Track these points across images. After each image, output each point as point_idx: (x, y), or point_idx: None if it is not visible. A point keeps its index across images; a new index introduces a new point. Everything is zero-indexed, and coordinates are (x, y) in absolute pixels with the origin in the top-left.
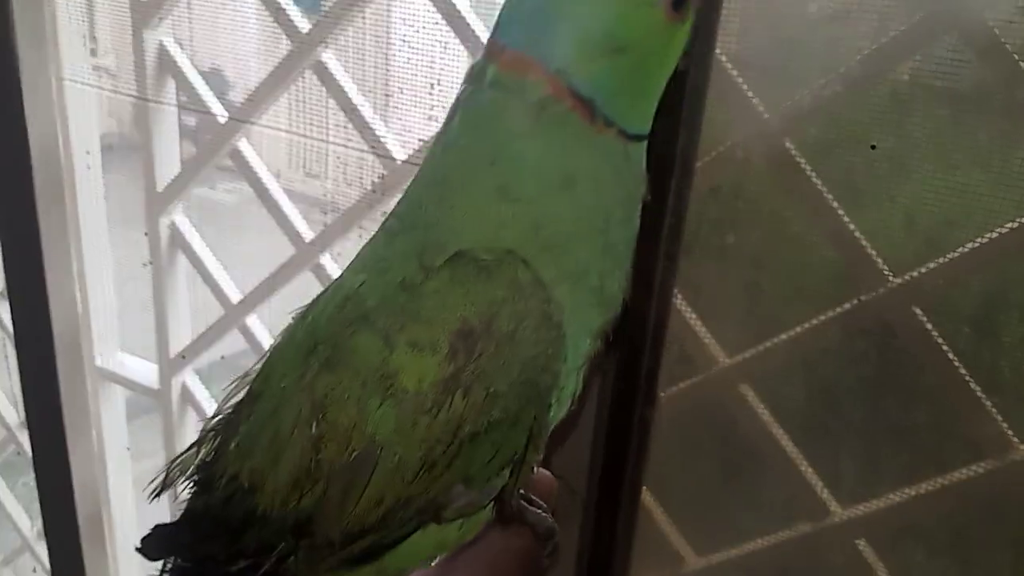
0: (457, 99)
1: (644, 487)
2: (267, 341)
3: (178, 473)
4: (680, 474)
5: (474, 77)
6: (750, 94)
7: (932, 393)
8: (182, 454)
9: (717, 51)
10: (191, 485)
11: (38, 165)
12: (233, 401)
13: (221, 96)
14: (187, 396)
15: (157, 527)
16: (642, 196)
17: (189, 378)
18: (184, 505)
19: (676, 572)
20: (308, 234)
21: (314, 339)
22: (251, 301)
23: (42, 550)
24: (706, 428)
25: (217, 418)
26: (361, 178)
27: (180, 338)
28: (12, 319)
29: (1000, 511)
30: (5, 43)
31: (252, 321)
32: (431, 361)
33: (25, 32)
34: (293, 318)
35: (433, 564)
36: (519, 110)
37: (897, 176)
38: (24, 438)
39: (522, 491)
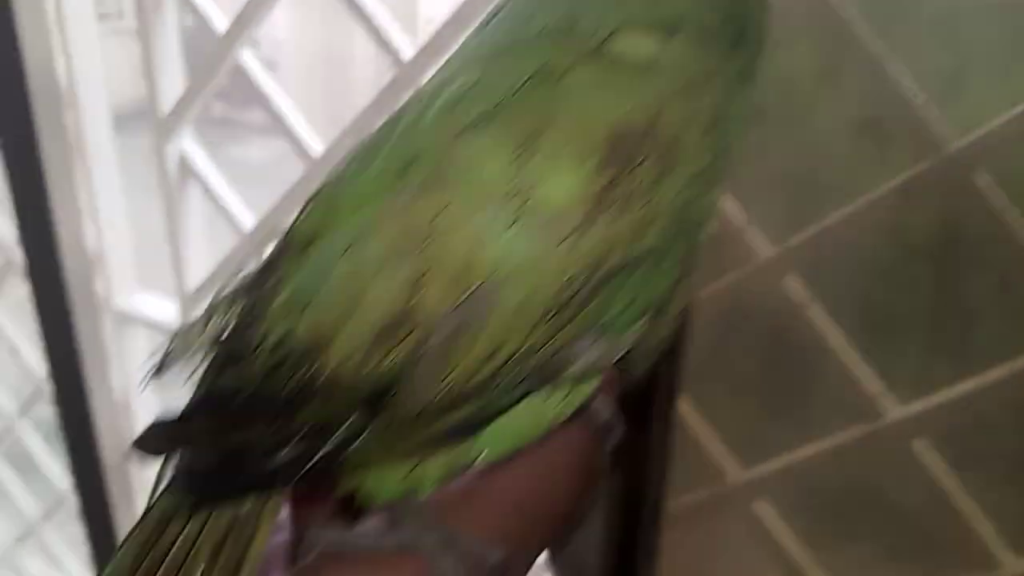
0: None
1: (681, 396)
2: None
3: (181, 352)
4: (720, 380)
5: None
6: None
7: (998, 271)
8: (182, 328)
9: None
10: (206, 363)
11: (37, 94)
12: (248, 270)
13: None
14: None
15: (159, 419)
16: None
17: None
18: (198, 388)
19: (718, 488)
20: (319, 148)
21: (411, 152)
22: (267, 225)
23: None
24: (749, 327)
25: (234, 284)
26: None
27: (198, 272)
28: (27, 262)
29: None
30: None
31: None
32: (580, 171)
33: None
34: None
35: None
36: None
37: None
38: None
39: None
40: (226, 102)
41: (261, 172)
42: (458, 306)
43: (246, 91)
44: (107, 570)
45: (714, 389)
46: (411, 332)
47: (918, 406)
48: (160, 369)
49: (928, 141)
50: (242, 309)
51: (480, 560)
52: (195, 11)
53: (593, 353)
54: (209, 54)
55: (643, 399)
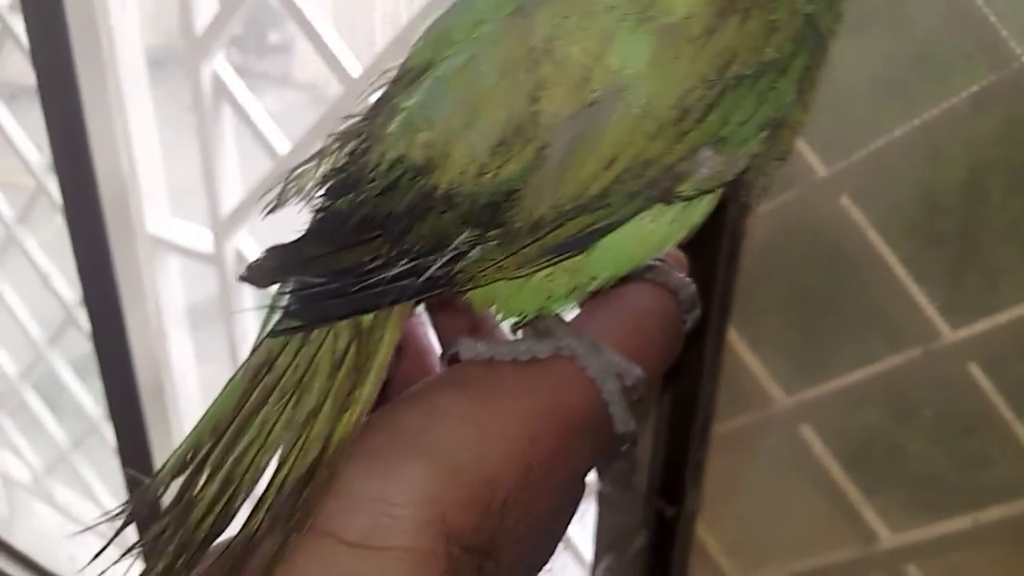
0: None
1: (732, 320)
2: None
3: (295, 190)
4: (771, 304)
5: None
6: None
7: None
8: (299, 167)
9: None
10: (323, 195)
11: (74, 23)
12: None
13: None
14: (243, 261)
15: (271, 248)
16: None
17: (243, 241)
18: (312, 217)
19: (766, 412)
20: (357, 69)
21: None
22: (301, 151)
23: (108, 430)
24: (798, 248)
25: (346, 124)
26: None
27: (231, 198)
28: (61, 193)
29: None
30: None
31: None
32: None
33: None
34: None
35: (579, 312)
36: None
37: None
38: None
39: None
40: (241, 49)
41: (278, 123)
42: (579, 113)
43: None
44: (212, 405)
45: (764, 314)
46: (530, 140)
47: (972, 330)
48: (278, 204)
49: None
50: (355, 143)
51: (624, 371)
52: None
53: (710, 167)
54: None
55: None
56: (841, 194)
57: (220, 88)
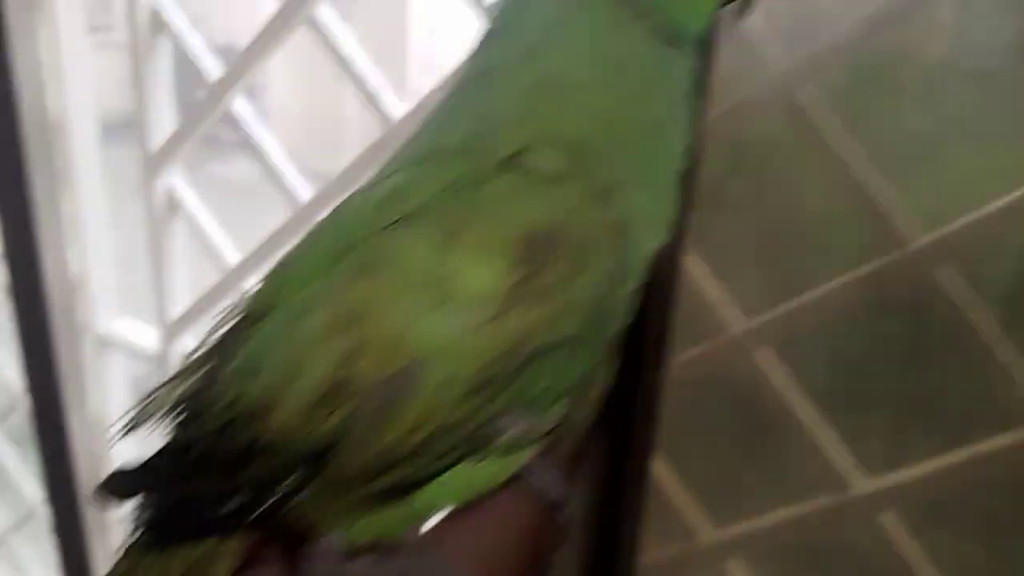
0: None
1: (656, 457)
2: None
3: (154, 409)
4: (694, 444)
5: None
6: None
7: (962, 359)
8: (158, 388)
9: None
10: (172, 420)
11: (29, 121)
12: (222, 331)
13: (221, 53)
14: None
15: (121, 467)
16: (692, 117)
17: (192, 344)
18: (162, 441)
19: (690, 546)
20: (308, 194)
21: (347, 242)
22: (251, 265)
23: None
24: (723, 395)
25: (201, 349)
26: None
27: (180, 300)
28: (9, 283)
29: None
30: None
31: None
32: (496, 265)
33: None
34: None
35: (429, 527)
36: None
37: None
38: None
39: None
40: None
41: (245, 191)
42: (387, 379)
43: (237, 138)
44: None
45: (688, 451)
46: (347, 399)
47: (886, 480)
48: (136, 424)
49: (899, 233)
50: (204, 372)
51: None
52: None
53: (518, 428)
54: (201, 100)
55: (617, 458)
56: (760, 346)
57: (174, 202)
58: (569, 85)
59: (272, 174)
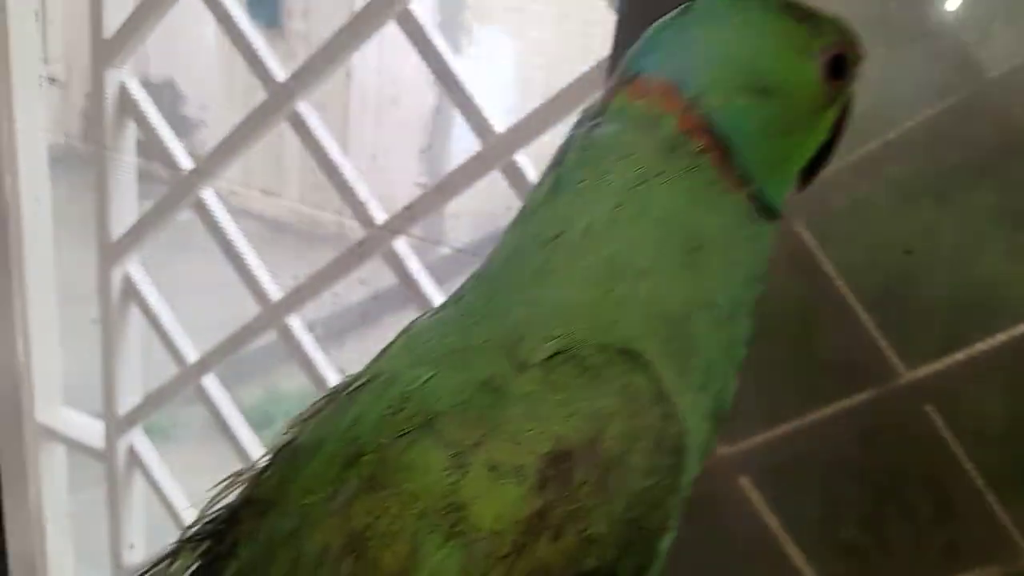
0: (566, 141)
1: None
2: (224, 403)
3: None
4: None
5: (592, 113)
6: None
7: (943, 497)
8: (151, 567)
9: None
10: None
11: None
12: (221, 505)
13: (187, 140)
14: (135, 459)
15: None
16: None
17: (138, 439)
18: None
19: None
20: (277, 294)
21: (356, 447)
22: (210, 362)
23: None
24: (704, 522)
25: (200, 525)
26: (339, 236)
27: (130, 396)
28: None
29: None
30: None
31: (209, 382)
32: (514, 492)
33: None
34: (311, 408)
35: None
36: (645, 147)
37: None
38: None
39: None
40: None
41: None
42: None
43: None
44: None
45: None
46: None
47: None
48: None
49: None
50: (198, 567)
51: None
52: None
53: None
54: (166, 196)
55: None
56: (741, 475)
57: (130, 290)
58: (634, 273)
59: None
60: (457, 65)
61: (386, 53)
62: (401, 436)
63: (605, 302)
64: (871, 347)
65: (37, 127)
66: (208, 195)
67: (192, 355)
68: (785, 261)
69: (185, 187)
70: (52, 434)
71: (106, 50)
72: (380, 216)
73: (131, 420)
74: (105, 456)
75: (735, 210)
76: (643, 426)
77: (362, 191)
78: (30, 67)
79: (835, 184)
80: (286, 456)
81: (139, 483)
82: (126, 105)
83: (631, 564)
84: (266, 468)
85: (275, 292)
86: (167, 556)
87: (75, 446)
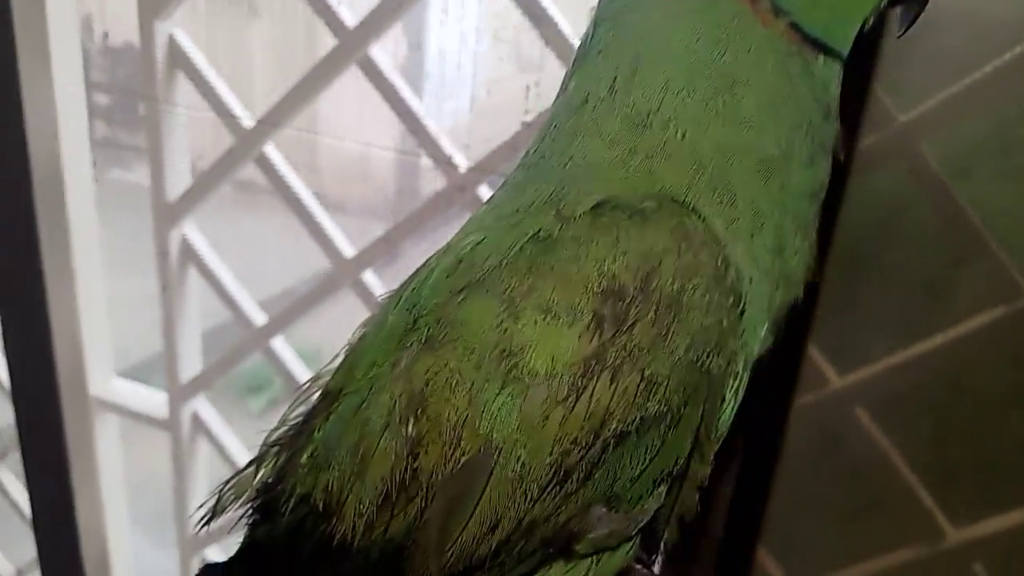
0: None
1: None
2: (296, 366)
3: (232, 497)
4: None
5: None
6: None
7: None
8: (237, 474)
9: None
10: (250, 512)
11: (39, 178)
12: (300, 409)
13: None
14: (199, 426)
15: (207, 566)
16: (832, 143)
17: (202, 406)
18: (242, 536)
19: None
20: (349, 249)
21: (414, 314)
22: (277, 324)
23: None
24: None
25: (281, 429)
26: (415, 186)
27: (192, 363)
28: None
29: None
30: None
31: (278, 344)
32: (568, 332)
33: (26, 46)
34: (384, 299)
35: None
36: None
37: None
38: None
39: None
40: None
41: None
42: (454, 473)
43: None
44: None
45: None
46: (413, 499)
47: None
48: (215, 513)
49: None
50: (281, 460)
51: None
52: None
53: (605, 525)
54: (229, 151)
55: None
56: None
57: (189, 253)
58: (660, 123)
59: (301, 215)
60: None
61: None
62: (455, 295)
63: (640, 153)
64: None
65: (78, 85)
66: (270, 150)
67: (259, 318)
68: None
69: (248, 141)
70: (110, 406)
71: (153, 1)
72: (463, 163)
73: (195, 387)
74: (170, 425)
75: (771, 45)
76: (698, 263)
77: (445, 143)
78: (69, 24)
79: None
80: (353, 348)
81: (203, 450)
82: (176, 59)
83: (694, 411)
84: (335, 364)
85: (348, 249)
86: (252, 462)
87: (137, 417)
